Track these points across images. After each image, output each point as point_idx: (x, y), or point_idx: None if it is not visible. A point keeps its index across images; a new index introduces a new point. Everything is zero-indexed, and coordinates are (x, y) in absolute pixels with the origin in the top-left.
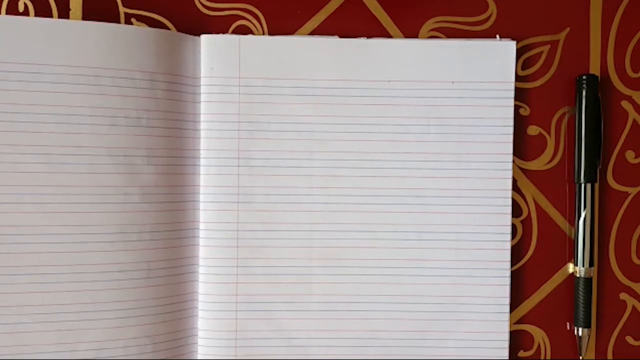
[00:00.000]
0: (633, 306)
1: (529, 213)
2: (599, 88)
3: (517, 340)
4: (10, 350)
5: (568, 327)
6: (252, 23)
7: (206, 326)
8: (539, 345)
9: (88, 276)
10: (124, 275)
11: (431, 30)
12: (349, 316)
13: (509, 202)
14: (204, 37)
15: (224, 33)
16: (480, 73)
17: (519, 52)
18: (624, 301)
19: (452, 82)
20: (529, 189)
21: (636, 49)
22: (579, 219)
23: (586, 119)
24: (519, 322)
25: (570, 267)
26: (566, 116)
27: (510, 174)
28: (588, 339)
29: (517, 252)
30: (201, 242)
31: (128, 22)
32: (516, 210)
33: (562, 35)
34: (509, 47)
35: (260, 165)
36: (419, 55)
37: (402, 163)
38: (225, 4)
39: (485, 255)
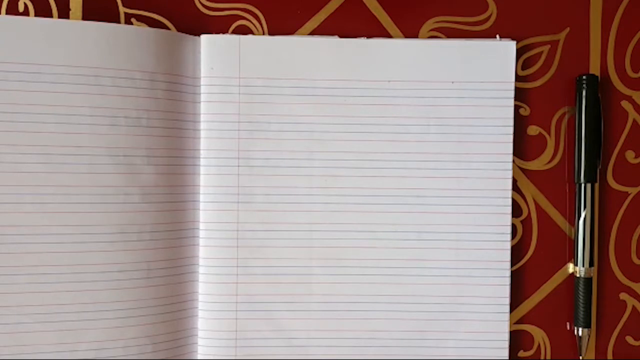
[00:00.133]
0: (633, 306)
1: (529, 213)
2: (599, 88)
3: (517, 340)
4: (10, 350)
5: (568, 327)
6: (252, 23)
7: (206, 326)
8: (539, 345)
9: (88, 276)
10: (124, 275)
11: (431, 30)
12: (349, 316)
13: (509, 202)
14: (204, 37)
15: (224, 33)
16: (480, 73)
17: (519, 52)
18: (624, 301)
19: (452, 82)
20: (529, 189)
21: (636, 49)
22: (579, 219)
23: (586, 119)
24: (519, 322)
25: (570, 267)
26: (566, 116)
27: (510, 174)
28: (588, 339)
29: (517, 252)
30: (201, 242)
31: (128, 22)
32: (516, 210)
33: (562, 35)
34: (509, 47)
35: (260, 165)
36: (419, 55)
37: (402, 163)
38: (225, 4)
39: (485, 255)
